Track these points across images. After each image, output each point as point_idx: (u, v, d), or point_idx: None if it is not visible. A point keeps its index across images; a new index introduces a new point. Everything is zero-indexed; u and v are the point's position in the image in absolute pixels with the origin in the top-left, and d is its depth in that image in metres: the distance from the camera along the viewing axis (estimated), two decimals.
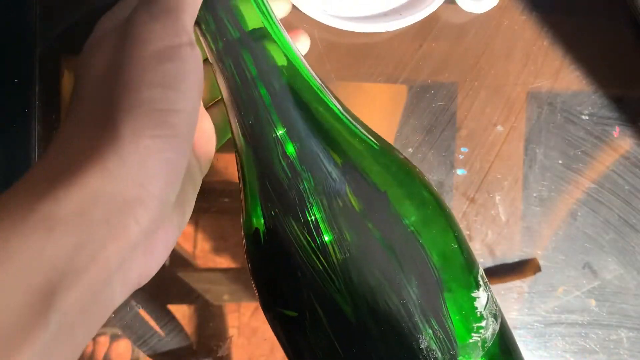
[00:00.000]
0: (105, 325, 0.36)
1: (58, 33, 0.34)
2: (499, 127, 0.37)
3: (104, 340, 0.36)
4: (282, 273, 0.24)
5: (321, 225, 0.23)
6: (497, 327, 0.25)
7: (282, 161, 0.24)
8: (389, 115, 0.37)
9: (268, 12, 0.24)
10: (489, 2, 0.35)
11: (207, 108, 0.28)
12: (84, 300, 0.18)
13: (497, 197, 0.37)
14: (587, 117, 0.37)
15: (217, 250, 0.36)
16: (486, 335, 0.24)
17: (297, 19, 0.35)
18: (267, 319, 0.26)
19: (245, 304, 0.36)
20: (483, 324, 0.24)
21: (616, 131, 0.37)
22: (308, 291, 0.23)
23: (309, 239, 0.23)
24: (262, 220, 0.24)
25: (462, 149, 0.37)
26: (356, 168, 0.24)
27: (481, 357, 0.24)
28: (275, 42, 0.24)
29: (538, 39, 0.37)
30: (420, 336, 0.23)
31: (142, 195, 0.18)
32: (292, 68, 0.25)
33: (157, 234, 0.21)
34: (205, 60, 0.24)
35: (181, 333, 0.36)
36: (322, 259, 0.23)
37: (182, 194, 0.22)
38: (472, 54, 0.37)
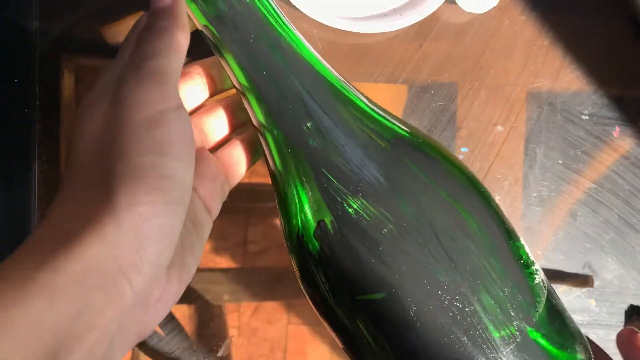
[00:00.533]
0: None
1: (58, 33, 0.34)
2: (499, 127, 0.37)
3: None
4: (365, 257, 0.24)
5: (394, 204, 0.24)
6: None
7: (339, 147, 0.24)
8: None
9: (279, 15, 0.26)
10: (489, 2, 0.35)
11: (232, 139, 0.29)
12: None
13: (497, 197, 0.37)
14: (587, 117, 0.37)
15: (217, 250, 0.36)
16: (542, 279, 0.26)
17: (297, 19, 0.35)
18: (339, 314, 0.25)
19: (245, 304, 0.36)
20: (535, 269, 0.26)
21: (616, 131, 0.37)
22: (398, 268, 0.23)
23: (388, 215, 0.24)
24: (328, 211, 0.24)
25: (462, 149, 0.37)
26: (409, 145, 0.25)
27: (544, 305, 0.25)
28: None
29: (538, 39, 0.37)
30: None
31: (136, 261, 0.19)
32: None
33: (154, 293, 0.21)
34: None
35: (181, 333, 0.36)
36: (405, 235, 0.24)
37: (182, 249, 0.23)
38: (472, 54, 0.37)
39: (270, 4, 0.26)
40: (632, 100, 0.38)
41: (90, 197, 0.20)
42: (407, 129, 0.26)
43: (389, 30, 0.34)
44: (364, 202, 0.24)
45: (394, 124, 0.26)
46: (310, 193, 0.25)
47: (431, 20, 0.36)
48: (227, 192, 0.28)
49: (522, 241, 0.26)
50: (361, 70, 0.36)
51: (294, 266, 0.27)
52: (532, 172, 0.37)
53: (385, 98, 0.37)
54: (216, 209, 0.27)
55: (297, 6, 0.33)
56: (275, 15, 0.26)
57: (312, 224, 0.25)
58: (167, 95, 0.21)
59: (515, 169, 0.37)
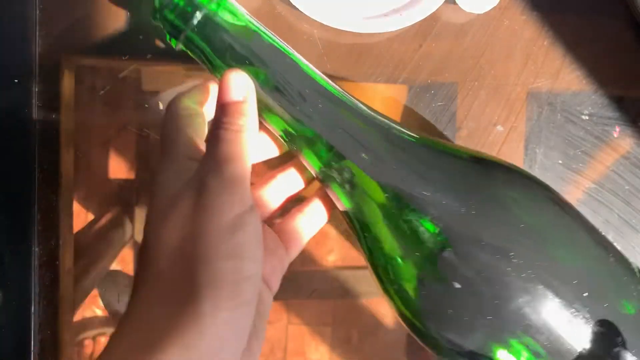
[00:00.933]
0: (106, 326, 0.36)
1: (58, 33, 0.34)
2: (499, 127, 0.37)
3: (104, 340, 0.36)
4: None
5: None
6: None
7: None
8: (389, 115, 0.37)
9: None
10: (489, 2, 0.35)
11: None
12: None
13: None
14: (587, 117, 0.37)
15: None
16: None
17: (296, 19, 0.35)
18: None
19: None
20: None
21: (616, 131, 0.37)
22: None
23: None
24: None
25: None
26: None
27: None
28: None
29: (538, 39, 0.37)
30: None
31: None
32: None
33: None
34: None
35: None
36: None
37: (249, 336, 0.23)
38: (472, 54, 0.37)
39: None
40: (632, 100, 0.38)
41: (172, 305, 0.20)
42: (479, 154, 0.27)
43: (389, 30, 0.34)
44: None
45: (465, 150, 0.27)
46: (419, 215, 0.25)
47: (431, 20, 0.36)
48: (286, 266, 0.28)
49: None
50: (361, 70, 0.36)
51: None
52: (532, 172, 0.37)
53: (385, 98, 0.37)
54: (276, 284, 0.28)
55: (297, 6, 0.33)
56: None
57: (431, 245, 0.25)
58: (244, 197, 0.22)
59: None
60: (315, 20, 0.33)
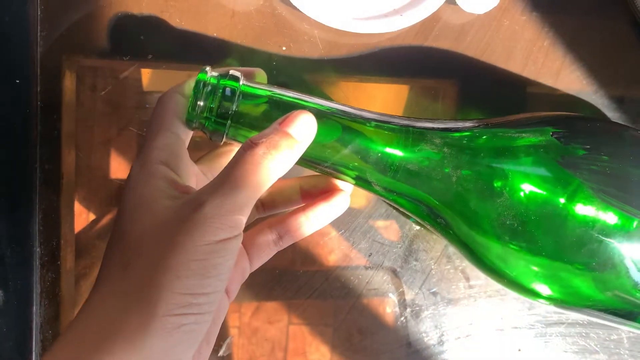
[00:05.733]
0: None
1: (59, 33, 0.34)
2: None
3: None
4: None
5: None
6: None
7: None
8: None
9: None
10: (490, 3, 0.35)
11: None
12: None
13: None
14: None
15: None
16: None
17: (297, 19, 0.35)
18: None
19: (246, 304, 0.36)
20: None
21: None
22: None
23: None
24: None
25: None
26: None
27: None
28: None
29: (538, 40, 0.37)
30: None
31: None
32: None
33: None
34: None
35: None
36: None
37: (200, 341, 0.23)
38: (472, 54, 0.37)
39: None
40: (632, 100, 0.38)
41: (127, 302, 0.21)
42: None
43: (389, 30, 0.34)
44: None
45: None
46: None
47: (431, 20, 0.36)
48: (247, 276, 0.29)
49: None
50: (362, 71, 0.36)
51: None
52: None
53: (386, 98, 0.37)
54: (234, 292, 0.28)
55: (298, 7, 0.33)
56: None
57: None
58: (235, 227, 0.22)
59: None
60: (316, 21, 0.33)
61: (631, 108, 0.38)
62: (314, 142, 0.25)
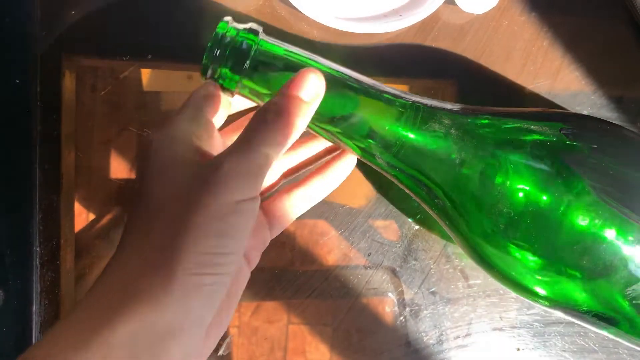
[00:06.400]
0: None
1: (59, 33, 0.34)
2: None
3: None
4: None
5: None
6: None
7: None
8: None
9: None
10: (489, 3, 0.35)
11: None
12: None
13: None
14: None
15: None
16: None
17: (296, 19, 0.35)
18: None
19: (246, 304, 0.36)
20: None
21: None
22: None
23: None
24: None
25: None
26: None
27: None
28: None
29: (537, 40, 0.37)
30: None
31: (184, 324, 0.21)
32: None
33: (195, 351, 0.22)
34: None
35: None
36: None
37: (220, 308, 0.24)
38: (471, 55, 0.37)
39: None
40: (631, 100, 0.38)
41: (149, 262, 0.21)
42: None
43: (389, 30, 0.34)
44: None
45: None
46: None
47: (431, 21, 0.36)
48: (267, 243, 0.29)
49: None
50: (361, 71, 0.36)
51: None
52: None
53: None
54: (255, 260, 0.28)
55: (297, 7, 0.33)
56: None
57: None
58: (254, 188, 0.22)
59: None
60: (315, 21, 0.33)
61: (630, 108, 0.38)
62: (324, 106, 0.25)
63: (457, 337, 0.37)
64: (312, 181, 0.30)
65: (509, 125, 0.28)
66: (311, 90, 0.24)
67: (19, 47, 0.34)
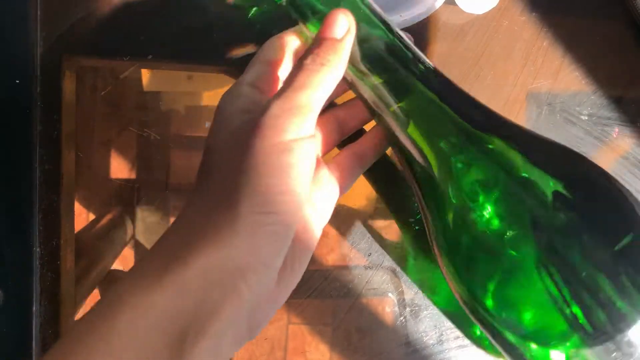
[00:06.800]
0: None
1: (59, 33, 0.34)
2: None
3: None
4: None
5: None
6: None
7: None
8: None
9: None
10: (489, 3, 0.35)
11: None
12: (206, 349, 0.21)
13: None
14: (586, 118, 0.37)
15: None
16: None
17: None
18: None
19: None
20: None
21: (615, 132, 0.38)
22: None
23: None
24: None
25: None
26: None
27: None
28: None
29: (537, 40, 0.37)
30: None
31: (251, 263, 0.22)
32: None
33: (265, 293, 0.23)
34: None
35: None
36: None
37: (292, 256, 0.25)
38: (471, 55, 0.37)
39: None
40: (631, 100, 0.38)
41: (216, 204, 0.23)
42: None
43: None
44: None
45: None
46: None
47: (431, 21, 0.36)
48: (337, 196, 0.30)
49: None
50: None
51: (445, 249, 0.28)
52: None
53: None
54: (326, 214, 0.29)
55: None
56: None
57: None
58: (302, 127, 0.23)
59: None
60: None
61: (630, 108, 0.38)
62: (360, 45, 0.26)
63: (457, 337, 0.37)
64: (369, 134, 0.32)
65: (504, 157, 0.27)
66: (341, 27, 0.25)
67: (19, 47, 0.34)
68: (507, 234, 0.26)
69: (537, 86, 0.37)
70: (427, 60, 0.28)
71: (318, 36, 0.25)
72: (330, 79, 0.24)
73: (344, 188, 0.31)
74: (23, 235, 0.34)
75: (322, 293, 0.36)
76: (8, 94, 0.34)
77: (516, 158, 0.27)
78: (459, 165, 0.27)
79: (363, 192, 0.36)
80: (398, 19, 0.34)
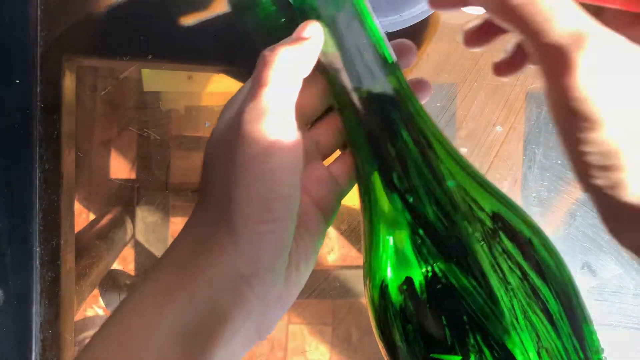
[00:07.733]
0: None
1: (59, 34, 0.35)
2: (498, 128, 0.37)
3: None
4: (446, 320, 0.25)
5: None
6: None
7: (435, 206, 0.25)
8: None
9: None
10: None
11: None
12: (218, 356, 0.22)
13: None
14: None
15: None
16: None
17: None
18: None
19: None
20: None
21: None
22: (479, 335, 0.25)
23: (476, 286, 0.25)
24: (418, 269, 0.25)
25: (462, 149, 0.37)
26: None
27: None
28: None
29: None
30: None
31: (253, 269, 0.23)
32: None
33: (273, 294, 0.24)
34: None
35: None
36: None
37: (297, 254, 0.25)
38: (471, 55, 0.37)
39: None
40: None
41: (215, 218, 0.23)
42: (506, 204, 0.27)
43: (389, 31, 0.34)
44: (455, 269, 0.25)
45: (493, 196, 0.27)
46: (402, 247, 0.26)
47: (431, 21, 0.36)
48: (338, 193, 0.29)
49: (594, 327, 0.27)
50: None
51: (370, 307, 0.27)
52: (531, 172, 0.37)
53: None
54: (329, 209, 0.28)
55: None
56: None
57: (399, 277, 0.26)
58: (281, 125, 0.23)
59: (514, 169, 0.37)
60: None
61: None
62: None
63: None
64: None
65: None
66: (309, 30, 0.25)
67: (19, 47, 0.34)
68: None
69: (537, 86, 0.37)
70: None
71: (291, 37, 0.25)
72: (296, 76, 0.24)
73: (348, 183, 0.30)
74: (23, 235, 0.34)
75: (322, 293, 0.36)
76: (8, 94, 0.34)
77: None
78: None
79: None
80: (398, 19, 0.34)
